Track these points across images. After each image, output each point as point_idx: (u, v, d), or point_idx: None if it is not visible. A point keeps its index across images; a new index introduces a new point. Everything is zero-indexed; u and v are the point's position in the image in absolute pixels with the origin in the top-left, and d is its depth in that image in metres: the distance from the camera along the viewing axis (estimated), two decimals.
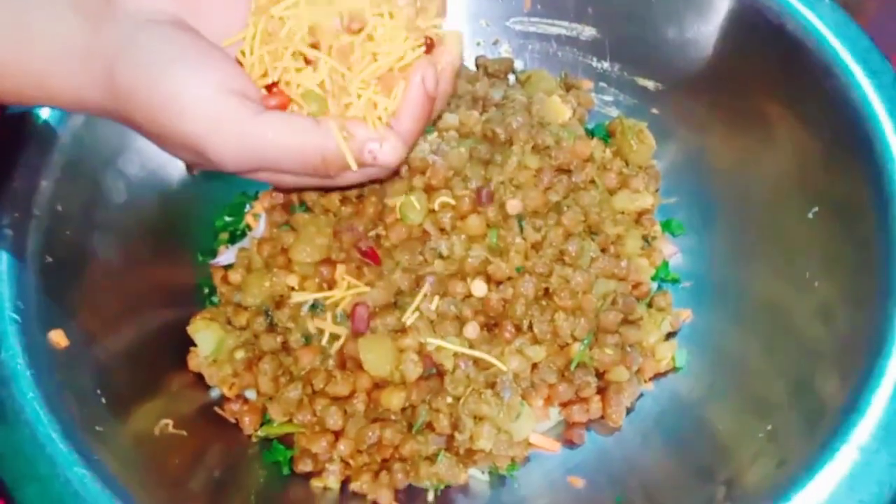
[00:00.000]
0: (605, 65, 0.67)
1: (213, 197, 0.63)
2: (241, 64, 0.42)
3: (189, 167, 0.61)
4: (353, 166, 0.41)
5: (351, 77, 0.41)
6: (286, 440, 0.54)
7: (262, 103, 0.41)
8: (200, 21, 0.42)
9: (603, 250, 0.56)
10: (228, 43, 0.42)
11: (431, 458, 0.51)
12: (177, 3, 0.41)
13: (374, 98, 0.42)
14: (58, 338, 0.47)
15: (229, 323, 0.56)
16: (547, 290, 0.53)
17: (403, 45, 0.42)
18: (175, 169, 0.60)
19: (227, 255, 0.60)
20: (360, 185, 0.51)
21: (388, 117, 0.42)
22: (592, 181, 0.59)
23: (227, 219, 0.63)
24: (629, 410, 0.55)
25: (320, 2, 0.42)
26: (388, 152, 0.42)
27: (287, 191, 0.57)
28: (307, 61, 0.42)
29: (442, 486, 0.52)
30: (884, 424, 0.42)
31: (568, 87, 0.67)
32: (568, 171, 0.58)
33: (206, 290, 0.60)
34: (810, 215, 0.53)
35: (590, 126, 0.66)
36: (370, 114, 0.42)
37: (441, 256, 0.53)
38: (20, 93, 0.41)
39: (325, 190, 0.56)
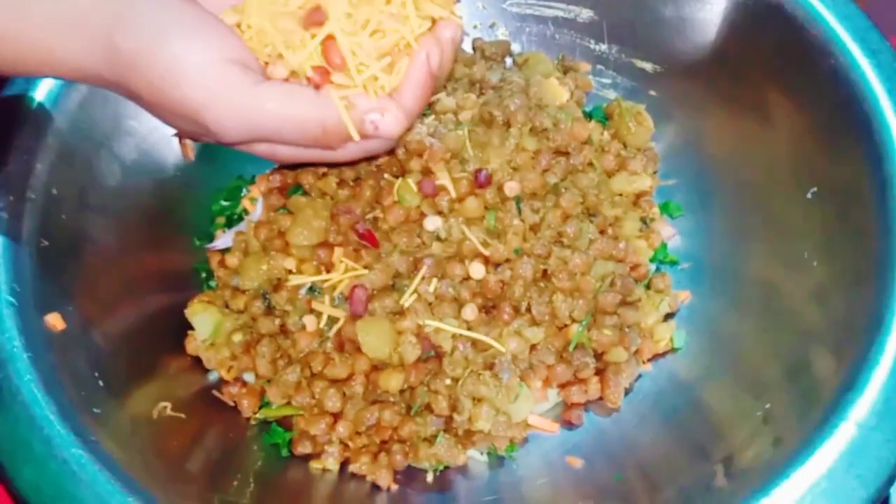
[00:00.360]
0: (603, 47, 0.67)
1: (209, 181, 0.62)
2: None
3: (184, 150, 0.61)
4: (356, 136, 0.41)
5: (359, 51, 0.41)
6: (285, 423, 0.54)
7: (265, 75, 0.41)
8: None
9: (601, 232, 0.56)
10: (228, 15, 0.42)
11: (430, 440, 0.51)
12: None
13: (377, 73, 0.41)
14: (54, 321, 0.47)
15: (227, 306, 0.56)
16: (545, 271, 0.53)
17: (411, 24, 0.42)
18: (171, 153, 0.60)
19: (224, 239, 0.59)
20: (359, 161, 0.51)
21: (388, 91, 0.42)
22: (590, 163, 0.58)
23: (224, 203, 0.62)
24: (627, 391, 0.55)
25: None
26: (389, 123, 0.41)
27: (284, 167, 0.57)
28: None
29: (441, 467, 0.52)
30: (882, 401, 0.42)
31: (565, 70, 0.66)
32: (566, 154, 0.57)
33: (204, 275, 0.60)
34: (809, 196, 0.53)
35: (588, 108, 0.65)
36: (371, 86, 0.41)
37: (439, 239, 0.53)
38: (19, 61, 0.41)
39: (324, 165, 0.55)
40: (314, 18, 0.41)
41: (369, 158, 0.52)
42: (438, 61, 0.42)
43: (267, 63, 0.42)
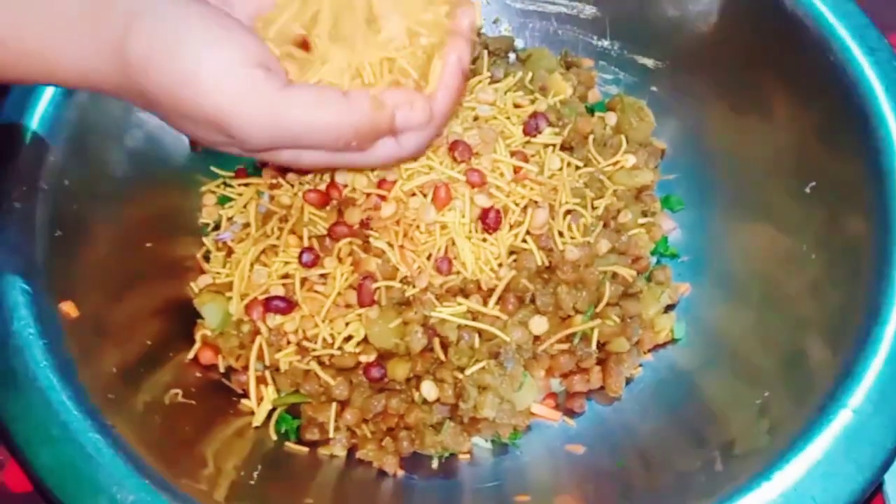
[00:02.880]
0: (606, 43, 0.68)
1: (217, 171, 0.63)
2: None
3: (193, 144, 0.62)
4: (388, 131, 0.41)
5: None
6: (293, 410, 0.54)
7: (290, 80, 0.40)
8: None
9: (605, 225, 0.57)
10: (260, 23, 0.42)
11: (436, 427, 0.52)
12: None
13: (398, 77, 0.42)
14: (69, 308, 0.48)
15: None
16: (550, 263, 0.54)
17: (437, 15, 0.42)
18: (180, 143, 0.61)
19: (231, 230, 0.60)
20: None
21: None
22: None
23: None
24: (628, 380, 0.56)
25: None
26: (419, 115, 0.41)
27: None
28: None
29: (446, 454, 0.53)
30: (878, 388, 0.43)
31: (568, 66, 0.67)
32: (569, 149, 0.59)
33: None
34: (807, 190, 0.54)
35: (589, 104, 0.66)
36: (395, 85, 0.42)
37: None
38: (20, 68, 0.39)
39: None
40: None
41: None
42: (469, 61, 0.42)
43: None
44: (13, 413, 0.43)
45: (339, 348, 0.52)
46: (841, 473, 0.41)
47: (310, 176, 0.56)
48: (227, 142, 0.40)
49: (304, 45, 0.43)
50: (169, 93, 0.38)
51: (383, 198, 0.52)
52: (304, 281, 0.53)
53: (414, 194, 0.52)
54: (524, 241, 0.53)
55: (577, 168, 0.57)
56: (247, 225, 0.58)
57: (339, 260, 0.53)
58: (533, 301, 0.53)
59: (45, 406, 0.43)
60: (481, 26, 0.46)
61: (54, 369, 0.45)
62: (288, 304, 0.52)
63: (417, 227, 0.52)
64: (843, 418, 0.43)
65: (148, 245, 0.56)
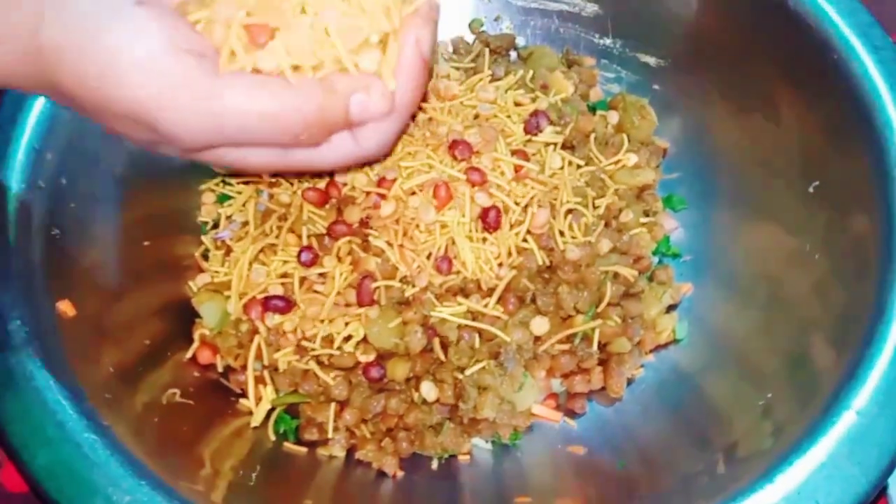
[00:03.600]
0: (608, 41, 0.67)
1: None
2: None
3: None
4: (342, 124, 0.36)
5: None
6: (292, 410, 0.54)
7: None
8: None
9: (606, 224, 0.56)
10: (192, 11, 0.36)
11: (436, 428, 0.52)
12: None
13: (355, 59, 0.36)
14: (65, 307, 0.48)
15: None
16: (550, 263, 0.53)
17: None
18: None
19: (229, 229, 0.60)
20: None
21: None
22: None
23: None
24: (630, 381, 0.56)
25: None
26: (377, 102, 0.36)
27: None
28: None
29: (446, 455, 0.53)
30: (882, 390, 0.43)
31: (570, 64, 0.67)
32: (571, 147, 0.58)
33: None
34: (811, 189, 0.54)
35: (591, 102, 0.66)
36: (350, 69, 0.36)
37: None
38: None
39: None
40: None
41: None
42: (430, 45, 0.37)
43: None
44: (9, 413, 0.43)
45: (339, 348, 0.51)
46: (845, 476, 0.41)
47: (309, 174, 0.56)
48: (157, 139, 0.35)
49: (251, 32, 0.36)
50: (84, 85, 0.33)
51: (383, 196, 0.52)
52: (303, 280, 0.53)
53: (414, 193, 0.52)
54: (525, 240, 0.52)
55: (579, 167, 0.57)
56: (246, 223, 0.58)
57: (339, 259, 0.53)
58: (534, 301, 0.53)
59: (41, 406, 0.43)
60: (439, 5, 0.41)
61: (51, 369, 0.44)
62: (287, 304, 0.52)
63: (417, 226, 0.52)
64: (847, 420, 0.42)
65: (146, 244, 0.56)
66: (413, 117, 0.54)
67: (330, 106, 0.35)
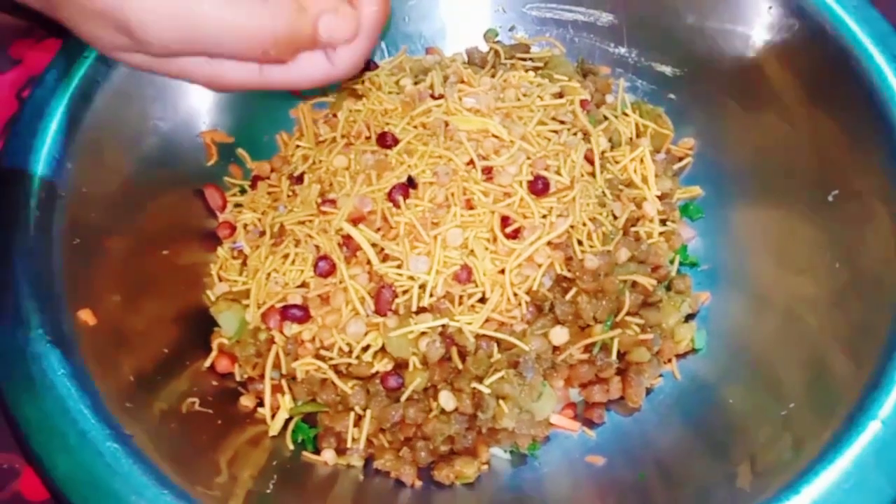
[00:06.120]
0: (623, 50, 0.67)
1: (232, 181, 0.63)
2: None
3: (208, 151, 0.61)
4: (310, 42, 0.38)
5: None
6: (310, 419, 0.54)
7: None
8: None
9: (623, 234, 0.56)
10: None
11: (454, 437, 0.52)
12: None
13: None
14: (86, 316, 0.48)
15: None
16: (569, 272, 0.53)
17: None
18: (194, 152, 0.61)
19: (247, 238, 0.60)
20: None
21: None
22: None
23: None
24: (648, 391, 0.55)
25: None
26: (344, 23, 0.38)
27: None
28: None
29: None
30: None
31: (585, 73, 0.67)
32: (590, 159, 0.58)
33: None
34: (830, 198, 0.54)
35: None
36: None
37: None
38: None
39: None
40: None
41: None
42: None
43: None
44: (32, 422, 0.43)
45: (357, 357, 0.51)
46: (871, 487, 0.41)
47: (327, 184, 0.56)
48: (129, 45, 0.36)
49: None
50: None
51: (397, 205, 0.52)
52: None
53: (432, 202, 0.52)
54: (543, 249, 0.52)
55: (596, 176, 0.57)
56: (262, 233, 0.58)
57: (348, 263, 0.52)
58: (552, 310, 0.53)
59: (62, 414, 0.43)
60: None
61: (72, 377, 0.44)
62: (305, 313, 0.52)
63: (435, 236, 0.52)
64: (872, 430, 0.42)
65: (164, 252, 0.56)
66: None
67: (299, 24, 0.37)
